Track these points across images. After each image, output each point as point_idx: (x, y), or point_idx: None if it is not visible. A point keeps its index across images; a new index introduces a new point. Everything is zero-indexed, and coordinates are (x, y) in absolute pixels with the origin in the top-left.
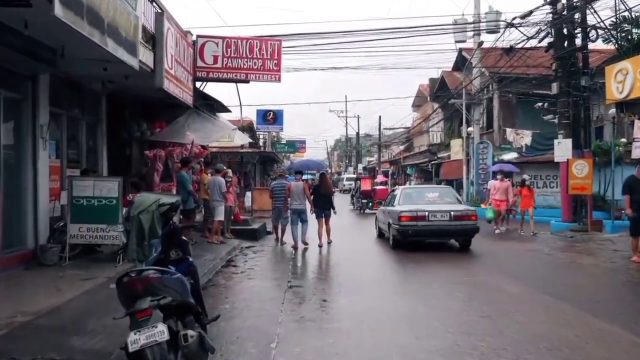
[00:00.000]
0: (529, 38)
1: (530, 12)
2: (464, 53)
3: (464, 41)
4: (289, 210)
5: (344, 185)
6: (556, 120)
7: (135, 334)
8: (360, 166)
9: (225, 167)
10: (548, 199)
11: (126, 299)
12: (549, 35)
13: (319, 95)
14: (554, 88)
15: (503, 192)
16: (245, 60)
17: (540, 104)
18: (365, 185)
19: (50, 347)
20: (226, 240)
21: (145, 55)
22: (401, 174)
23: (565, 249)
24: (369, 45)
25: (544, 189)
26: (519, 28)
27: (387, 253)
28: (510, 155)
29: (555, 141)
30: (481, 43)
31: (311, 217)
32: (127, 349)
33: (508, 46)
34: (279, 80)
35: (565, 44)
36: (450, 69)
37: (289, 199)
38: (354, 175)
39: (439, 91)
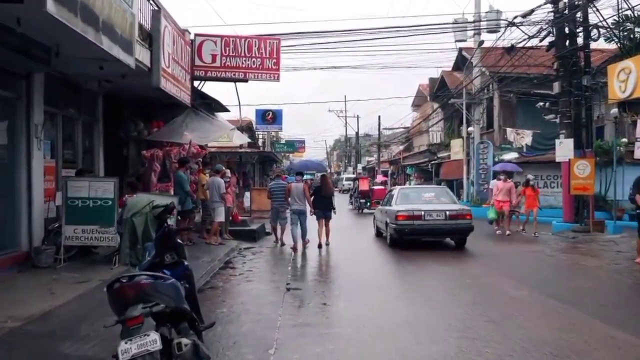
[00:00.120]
0: (530, 37)
1: (532, 11)
2: (464, 53)
3: (464, 40)
4: (287, 211)
5: (343, 185)
6: (558, 120)
7: (126, 343)
8: (359, 166)
9: (224, 168)
10: (549, 199)
11: (117, 305)
12: (550, 34)
13: (318, 95)
14: (556, 87)
15: (506, 193)
16: (244, 59)
17: (541, 103)
18: (363, 185)
19: (40, 355)
20: (224, 241)
21: (142, 54)
22: (401, 174)
23: (567, 251)
24: (369, 44)
25: (544, 189)
26: (520, 27)
27: (386, 253)
28: (511, 155)
29: (557, 141)
30: (482, 42)
31: (311, 218)
32: (118, 359)
33: (509, 45)
34: (278, 79)
35: (567, 43)
36: (450, 69)
37: (289, 200)
38: (353, 175)
39: (439, 91)
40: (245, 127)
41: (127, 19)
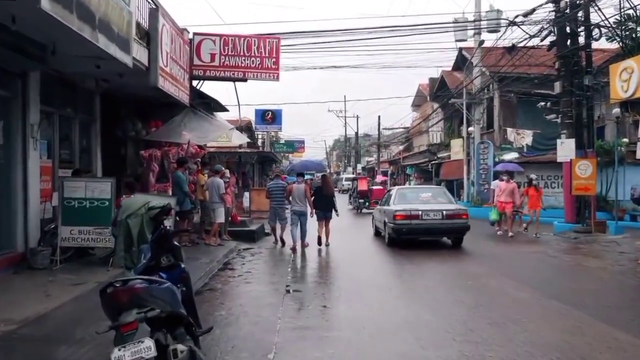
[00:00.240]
0: (531, 36)
1: (533, 10)
2: (464, 52)
3: (464, 40)
4: (287, 211)
5: (343, 185)
6: (559, 120)
7: (119, 350)
8: (359, 166)
9: (223, 168)
10: (549, 199)
11: (111, 310)
12: (552, 34)
13: (318, 95)
14: (557, 87)
15: (509, 194)
16: (243, 58)
17: (542, 103)
18: (362, 186)
19: (34, 359)
20: (223, 242)
21: (140, 53)
22: (401, 174)
23: (570, 251)
24: (369, 43)
25: (545, 189)
26: (521, 26)
27: (385, 253)
28: (511, 155)
29: (558, 141)
30: (482, 42)
31: (311, 219)
32: None
33: (510, 45)
34: (277, 78)
35: (568, 42)
36: (450, 69)
37: (290, 200)
38: (353, 176)
39: (439, 91)
40: (245, 127)
41: (124, 17)
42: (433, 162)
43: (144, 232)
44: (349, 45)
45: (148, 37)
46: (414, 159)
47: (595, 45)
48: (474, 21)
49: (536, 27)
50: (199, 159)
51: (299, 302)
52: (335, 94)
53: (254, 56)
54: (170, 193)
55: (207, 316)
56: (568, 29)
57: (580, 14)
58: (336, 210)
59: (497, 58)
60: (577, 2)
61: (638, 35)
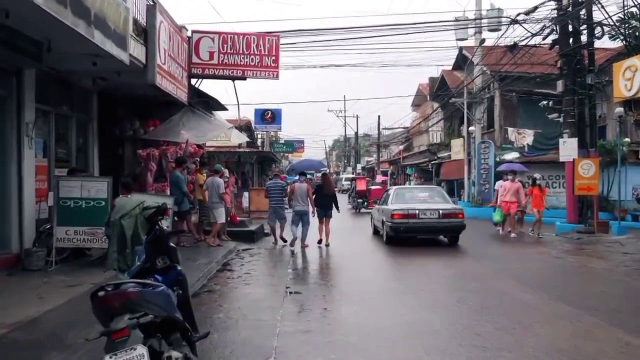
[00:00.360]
0: (533, 35)
1: (535, 8)
2: (464, 52)
3: (465, 39)
4: (286, 210)
5: (343, 185)
6: (561, 119)
7: (110, 357)
8: (359, 166)
9: (223, 168)
10: (550, 199)
11: (102, 315)
12: (554, 32)
13: (317, 94)
14: (559, 86)
15: (513, 194)
16: (242, 56)
17: (545, 102)
18: (361, 185)
19: None
20: (222, 242)
21: (137, 50)
22: (401, 174)
23: (573, 252)
24: (369, 42)
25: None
26: (522, 24)
27: (385, 253)
28: (512, 155)
29: (561, 140)
30: (483, 40)
31: (312, 219)
32: None
33: (511, 43)
34: (277, 77)
35: (571, 41)
36: (450, 68)
37: (292, 200)
38: (352, 176)
39: (439, 90)
40: (244, 127)
41: (121, 13)
42: (433, 162)
43: (138, 233)
44: (348, 44)
45: (145, 34)
46: (414, 159)
47: (597, 43)
48: (475, 19)
49: (538, 25)
50: (198, 159)
51: (299, 305)
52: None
53: (254, 54)
54: (169, 193)
55: (205, 319)
56: (570, 27)
57: (582, 11)
58: (337, 207)
59: (498, 57)
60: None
61: None
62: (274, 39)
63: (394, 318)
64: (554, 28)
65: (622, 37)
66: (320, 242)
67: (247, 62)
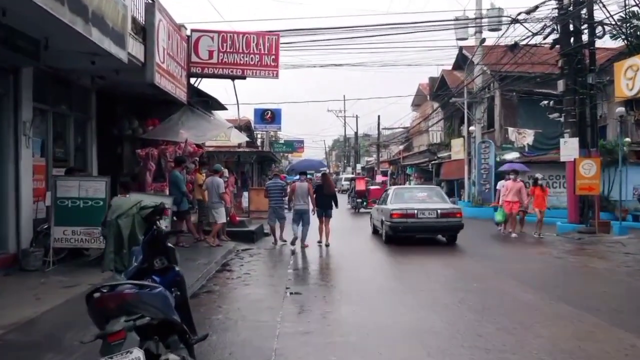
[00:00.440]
0: (534, 34)
1: (536, 7)
2: (464, 51)
3: (465, 39)
4: (285, 210)
5: (342, 185)
6: (562, 119)
7: None
8: (358, 166)
9: (222, 168)
10: (551, 199)
11: (98, 317)
12: (555, 32)
13: (317, 94)
14: (560, 86)
15: (516, 193)
16: (242, 55)
17: (545, 102)
18: (360, 185)
19: None
20: (222, 242)
21: (135, 48)
22: (400, 174)
23: (575, 252)
24: (369, 41)
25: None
26: (523, 24)
27: (385, 253)
28: (512, 155)
29: (562, 140)
30: (483, 40)
31: (312, 219)
32: None
33: (512, 43)
34: (277, 76)
35: (572, 40)
36: (450, 67)
37: (292, 200)
38: (352, 176)
39: (439, 90)
40: (244, 127)
41: (119, 11)
42: (433, 162)
43: (136, 233)
44: (349, 43)
45: (144, 32)
46: (414, 159)
47: (598, 43)
48: (475, 19)
49: (539, 24)
50: (197, 158)
51: (299, 306)
52: (335, 93)
53: (253, 53)
54: (168, 192)
55: (204, 320)
56: (571, 27)
57: (583, 11)
58: (336, 204)
59: (498, 57)
60: None
61: None
62: (274, 37)
63: (394, 318)
64: (555, 27)
65: (623, 37)
66: (320, 242)
67: (246, 61)
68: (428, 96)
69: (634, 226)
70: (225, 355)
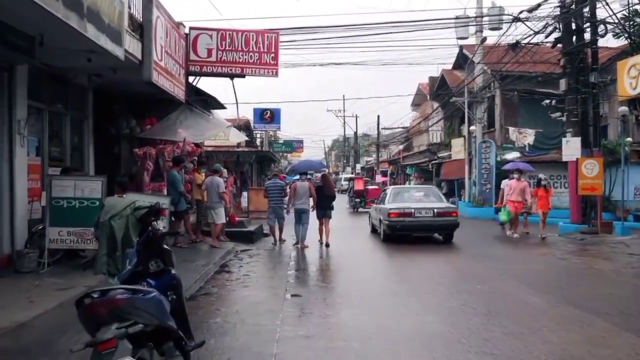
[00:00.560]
0: (535, 33)
1: (538, 6)
2: (464, 51)
3: (466, 38)
4: (285, 210)
5: (342, 185)
6: (564, 118)
7: None
8: (358, 166)
9: (222, 167)
10: (552, 199)
11: (88, 324)
12: (557, 30)
13: (317, 93)
14: (562, 85)
15: (519, 193)
16: (241, 53)
17: (547, 101)
18: (358, 185)
19: None
20: (221, 243)
21: (132, 45)
22: (400, 173)
23: (578, 253)
24: (369, 40)
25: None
26: (525, 22)
27: (385, 253)
28: (513, 155)
29: (564, 140)
30: (484, 39)
31: (312, 220)
32: None
33: (513, 42)
34: (276, 74)
35: (574, 39)
36: (450, 67)
37: (293, 199)
38: (351, 175)
39: (439, 90)
40: (243, 126)
41: (116, 7)
42: (433, 161)
43: (129, 235)
44: (349, 42)
45: (141, 29)
46: (414, 159)
47: (600, 42)
48: (476, 17)
49: (540, 23)
50: (195, 158)
51: (299, 308)
52: (334, 92)
53: (252, 51)
54: (166, 192)
55: (202, 324)
56: (574, 25)
57: (586, 9)
58: (332, 208)
59: (499, 56)
60: None
61: None
62: (274, 35)
63: (396, 322)
64: (557, 26)
65: (626, 35)
66: (320, 241)
67: (246, 59)
68: (428, 96)
69: (636, 226)
70: None
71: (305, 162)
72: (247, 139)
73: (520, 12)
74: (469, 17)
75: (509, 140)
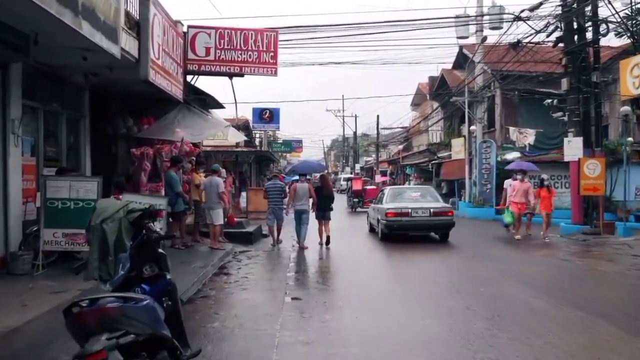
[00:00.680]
0: (537, 32)
1: (540, 4)
2: (464, 51)
3: (466, 37)
4: (284, 211)
5: (341, 185)
6: (565, 118)
7: None
8: (357, 166)
9: (221, 168)
10: (554, 200)
11: (77, 334)
12: (558, 29)
13: (316, 93)
14: (564, 84)
15: (523, 194)
16: (240, 52)
17: (549, 100)
18: (356, 185)
19: None
20: (219, 244)
21: (129, 43)
22: (400, 173)
23: (581, 255)
24: (369, 39)
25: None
26: (526, 21)
27: (384, 253)
28: (513, 155)
29: (566, 140)
30: (485, 38)
31: (311, 220)
32: None
33: (514, 41)
34: (276, 73)
35: (575, 38)
36: (450, 66)
37: (293, 200)
38: (351, 175)
39: (439, 89)
40: (242, 126)
41: (112, 4)
42: (433, 161)
43: (122, 239)
44: (348, 41)
45: (138, 27)
46: (414, 159)
47: (602, 41)
48: (476, 16)
49: (542, 22)
50: (194, 158)
51: (299, 312)
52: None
53: (251, 50)
54: (163, 193)
55: (199, 329)
56: (575, 24)
57: (588, 8)
58: (331, 208)
59: (499, 55)
60: None
61: None
62: (272, 34)
63: (399, 326)
64: (559, 25)
65: (628, 34)
66: (320, 243)
67: (244, 58)
68: (428, 95)
69: (637, 227)
70: None
71: (305, 162)
72: (245, 138)
73: (522, 11)
74: (469, 17)
75: (509, 140)
